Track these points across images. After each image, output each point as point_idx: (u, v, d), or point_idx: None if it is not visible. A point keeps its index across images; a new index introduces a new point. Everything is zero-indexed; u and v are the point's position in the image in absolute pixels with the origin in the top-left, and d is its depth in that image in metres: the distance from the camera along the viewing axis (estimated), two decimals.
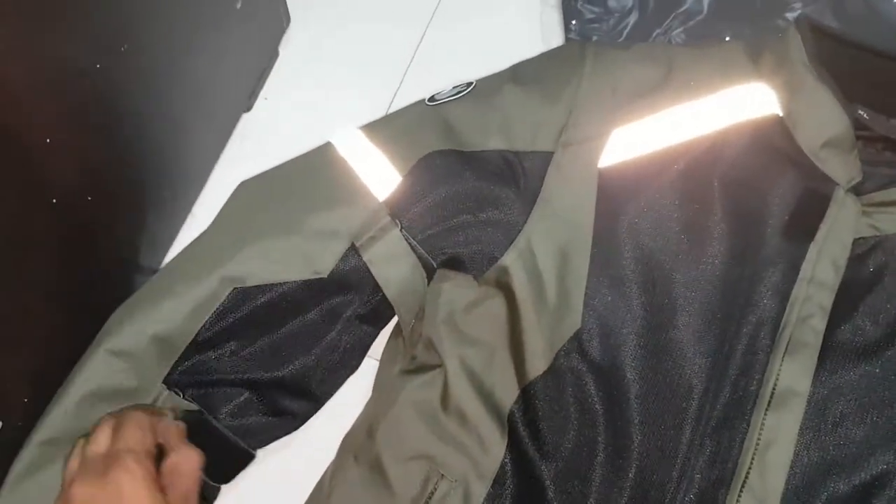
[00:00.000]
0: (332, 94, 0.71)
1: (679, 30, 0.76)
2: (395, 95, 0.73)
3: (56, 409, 0.55)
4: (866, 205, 0.58)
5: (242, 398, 0.59)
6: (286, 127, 0.69)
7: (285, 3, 0.73)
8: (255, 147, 0.69)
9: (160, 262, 0.67)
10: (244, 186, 0.61)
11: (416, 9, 0.76)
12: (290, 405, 0.61)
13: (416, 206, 0.59)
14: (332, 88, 0.72)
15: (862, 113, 0.65)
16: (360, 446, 0.59)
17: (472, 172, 0.59)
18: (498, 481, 0.56)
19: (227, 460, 0.59)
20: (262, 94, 0.72)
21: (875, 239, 0.57)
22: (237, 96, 0.71)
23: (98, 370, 0.56)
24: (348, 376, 0.63)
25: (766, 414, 0.54)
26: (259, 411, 0.60)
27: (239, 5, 0.63)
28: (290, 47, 0.74)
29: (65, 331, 0.56)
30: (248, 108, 0.71)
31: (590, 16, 0.76)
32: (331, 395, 0.63)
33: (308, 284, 0.58)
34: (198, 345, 0.57)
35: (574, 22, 0.77)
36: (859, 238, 0.57)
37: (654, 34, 0.77)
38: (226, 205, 0.61)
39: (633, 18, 0.76)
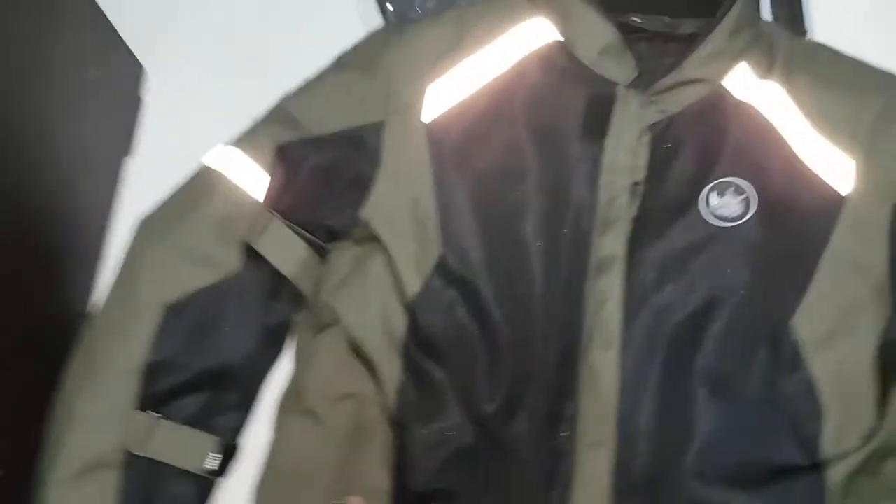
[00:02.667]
0: (204, 119, 0.79)
1: None
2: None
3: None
4: (654, 94, 0.69)
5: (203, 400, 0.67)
6: (169, 160, 0.77)
7: (133, 55, 0.82)
8: (144, 186, 0.78)
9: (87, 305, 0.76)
10: (143, 222, 0.70)
11: (251, 22, 0.85)
12: (238, 396, 0.70)
13: (287, 196, 0.70)
14: (202, 115, 0.80)
15: (636, 18, 0.77)
16: (292, 405, 0.70)
17: (321, 153, 0.70)
18: (402, 394, 0.67)
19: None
20: (139, 137, 0.82)
21: (666, 120, 0.69)
22: (115, 146, 0.80)
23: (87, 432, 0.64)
24: (278, 357, 0.73)
25: (596, 281, 0.66)
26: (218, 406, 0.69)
27: (91, 76, 0.73)
28: (153, 92, 0.84)
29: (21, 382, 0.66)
30: (128, 153, 0.81)
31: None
32: (267, 376, 0.73)
33: (225, 284, 0.68)
34: (151, 368, 0.65)
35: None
36: (655, 123, 0.69)
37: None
38: (131, 243, 0.69)
39: None
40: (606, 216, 0.67)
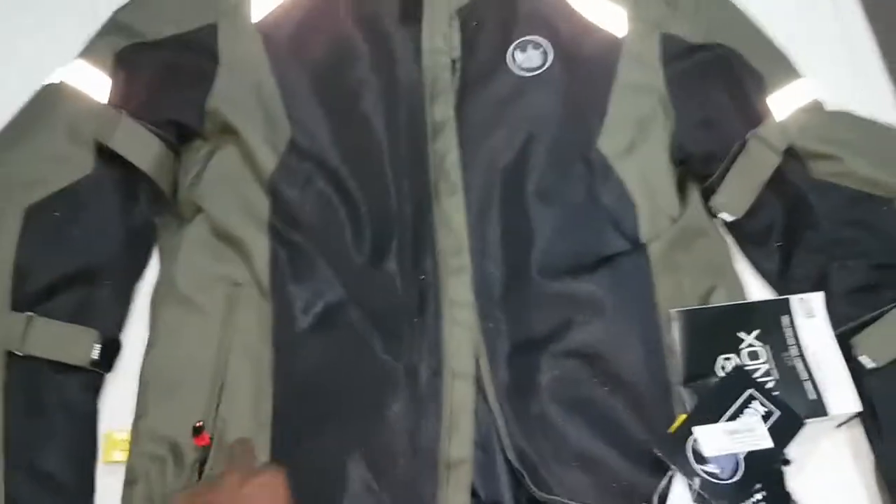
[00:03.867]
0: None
1: None
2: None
3: None
4: None
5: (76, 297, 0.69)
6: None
7: None
8: None
9: None
10: None
11: None
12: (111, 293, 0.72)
13: (132, 96, 0.74)
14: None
15: None
16: (165, 296, 0.73)
17: (160, 55, 0.76)
18: (273, 266, 0.72)
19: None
20: None
21: (470, 3, 0.80)
22: None
23: None
24: (146, 257, 0.76)
25: (433, 142, 0.75)
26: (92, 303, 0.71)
27: None
28: None
29: None
30: None
31: None
32: (138, 277, 0.76)
33: (82, 184, 0.71)
34: (20, 269, 0.67)
35: None
36: (461, 8, 0.79)
37: None
38: None
39: None
40: (434, 89, 0.77)
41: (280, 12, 0.78)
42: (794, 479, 0.67)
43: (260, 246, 0.72)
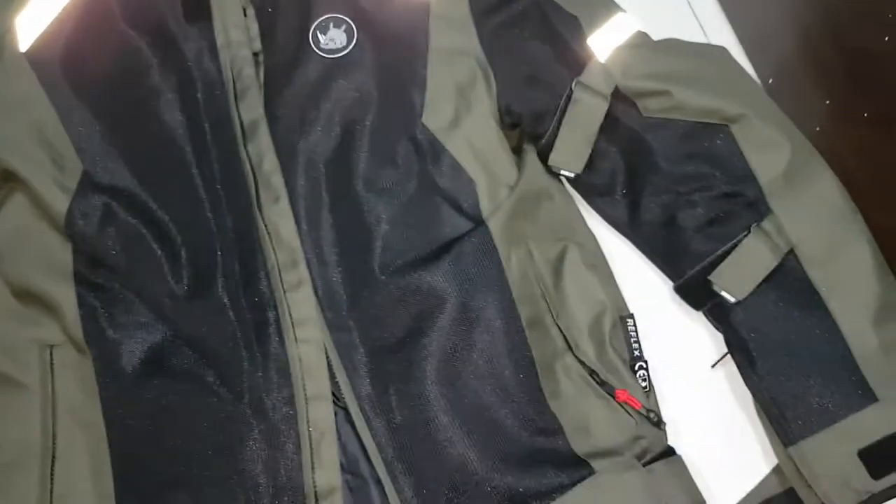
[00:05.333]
0: None
1: None
2: None
3: None
4: None
5: None
6: None
7: None
8: None
9: None
10: None
11: None
12: None
13: None
14: None
15: None
16: None
17: None
18: (85, 318, 0.65)
19: None
20: None
21: None
22: None
23: None
24: None
25: (246, 146, 0.69)
26: None
27: None
28: None
29: None
30: None
31: None
32: None
33: None
34: None
35: None
36: None
37: None
38: None
39: None
40: (238, 88, 0.70)
41: (49, 35, 0.69)
42: (681, 433, 0.66)
43: (66, 297, 0.65)
